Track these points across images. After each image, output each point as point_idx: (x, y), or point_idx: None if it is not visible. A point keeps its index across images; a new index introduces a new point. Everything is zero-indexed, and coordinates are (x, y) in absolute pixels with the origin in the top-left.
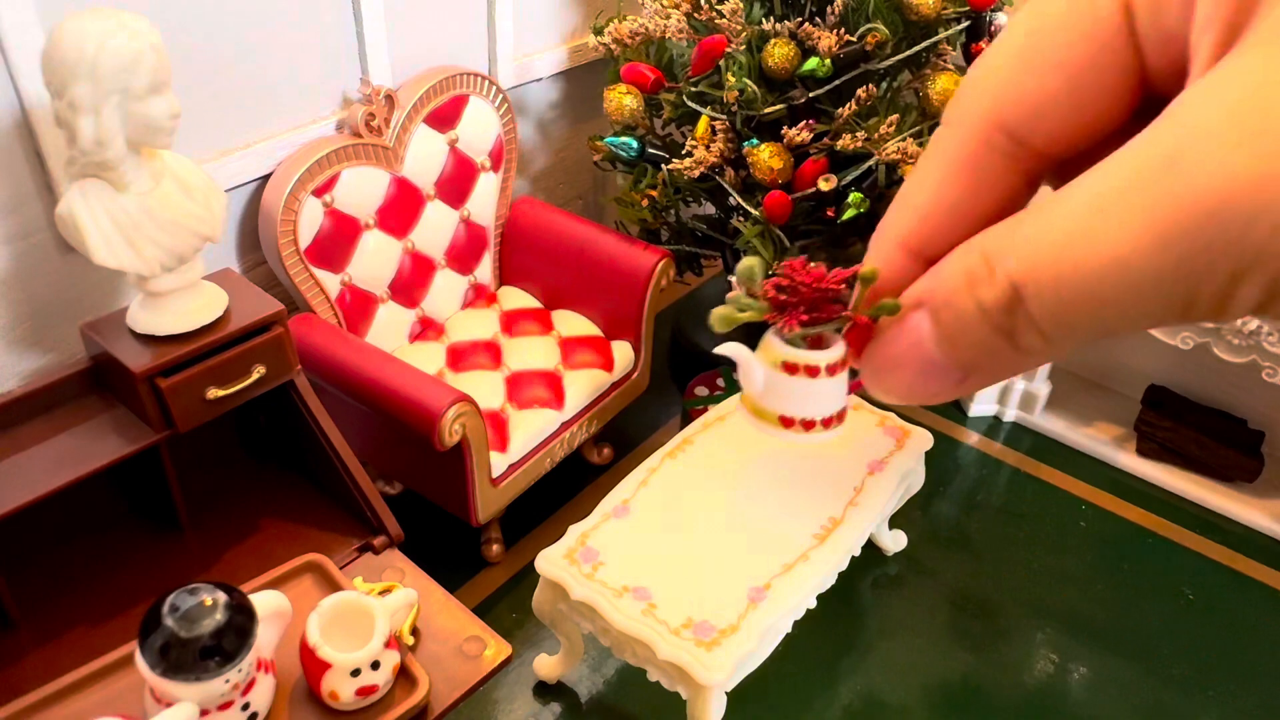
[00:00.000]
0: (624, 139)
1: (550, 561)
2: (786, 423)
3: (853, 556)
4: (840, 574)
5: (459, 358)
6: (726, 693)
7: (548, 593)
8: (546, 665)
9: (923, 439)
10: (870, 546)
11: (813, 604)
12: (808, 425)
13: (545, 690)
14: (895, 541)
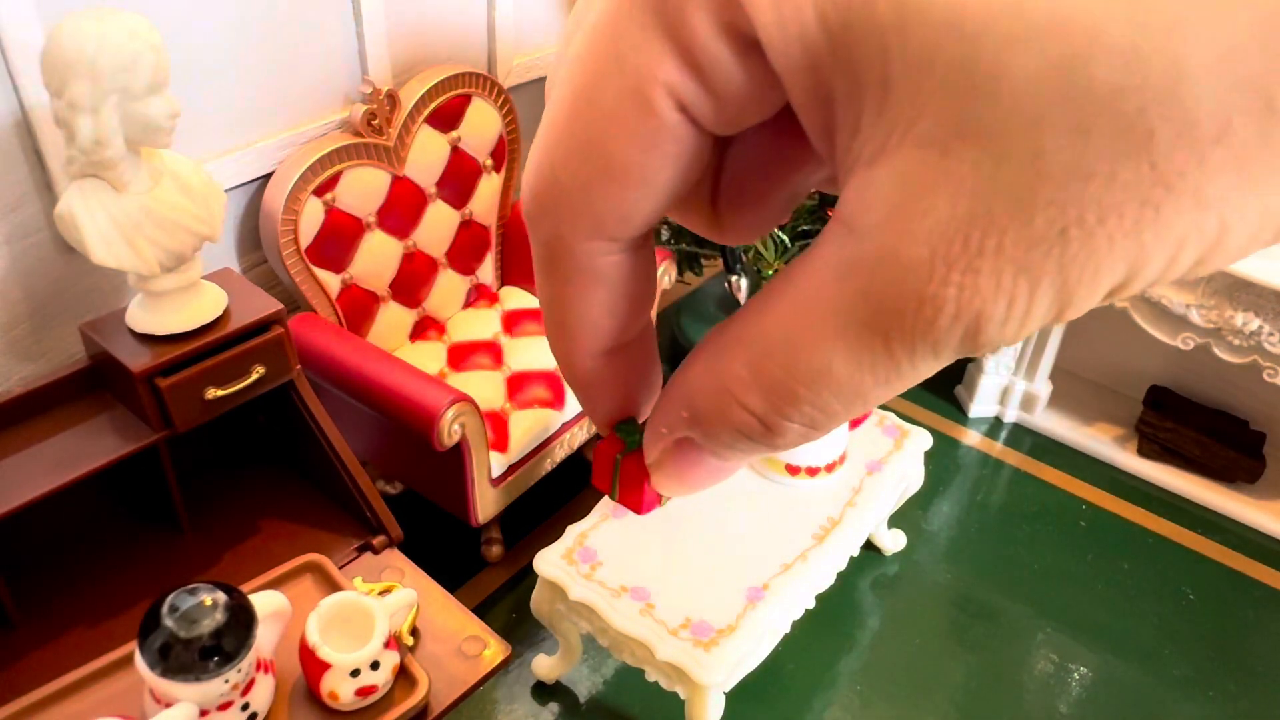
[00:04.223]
0: None
1: (548, 562)
2: (793, 470)
3: (851, 557)
4: (839, 574)
5: (460, 357)
6: (725, 693)
7: (546, 593)
8: (545, 665)
9: (921, 439)
10: (869, 546)
11: (811, 604)
12: (812, 472)
13: (544, 690)
14: (894, 541)
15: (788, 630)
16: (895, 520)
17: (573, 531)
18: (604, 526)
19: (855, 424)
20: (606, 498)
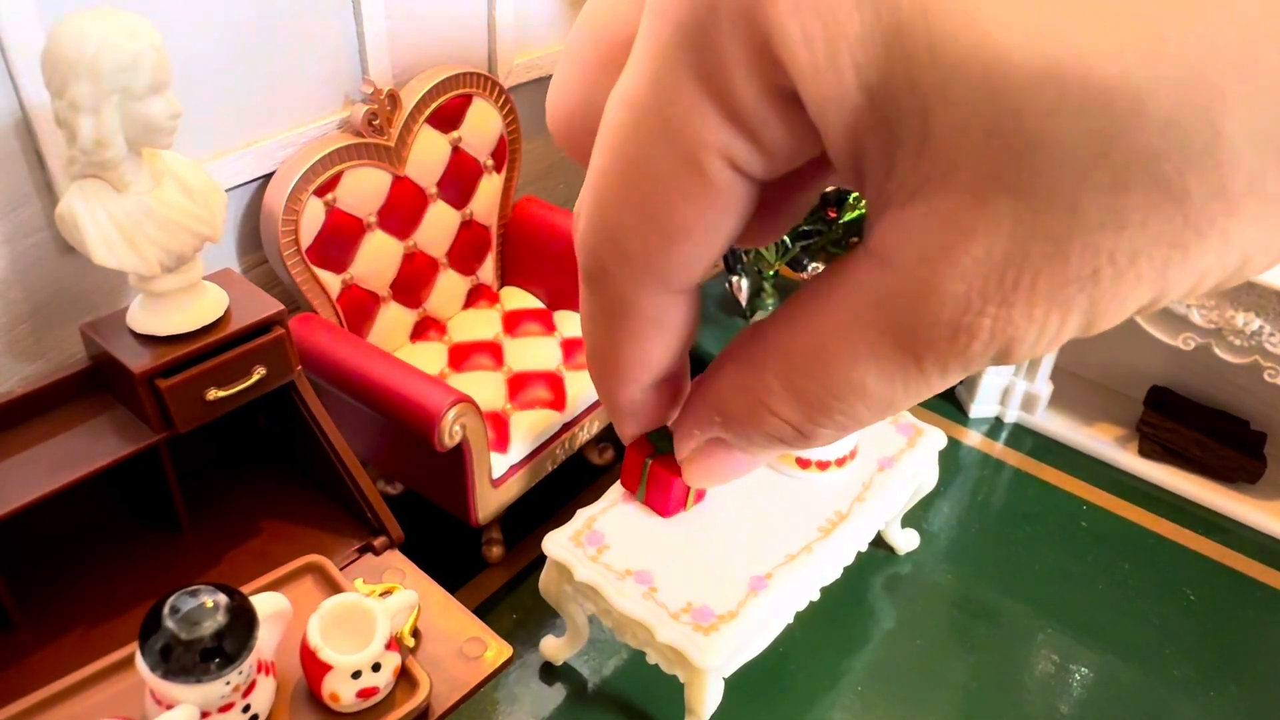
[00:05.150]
0: None
1: (557, 543)
2: (803, 464)
3: (860, 552)
4: (848, 570)
5: (461, 358)
6: (726, 681)
7: (554, 574)
8: (553, 647)
9: (935, 438)
10: (883, 545)
11: (815, 596)
12: (822, 466)
13: (545, 690)
14: (907, 541)
15: (790, 621)
16: (906, 520)
17: (582, 515)
18: (613, 511)
19: None
20: (616, 486)
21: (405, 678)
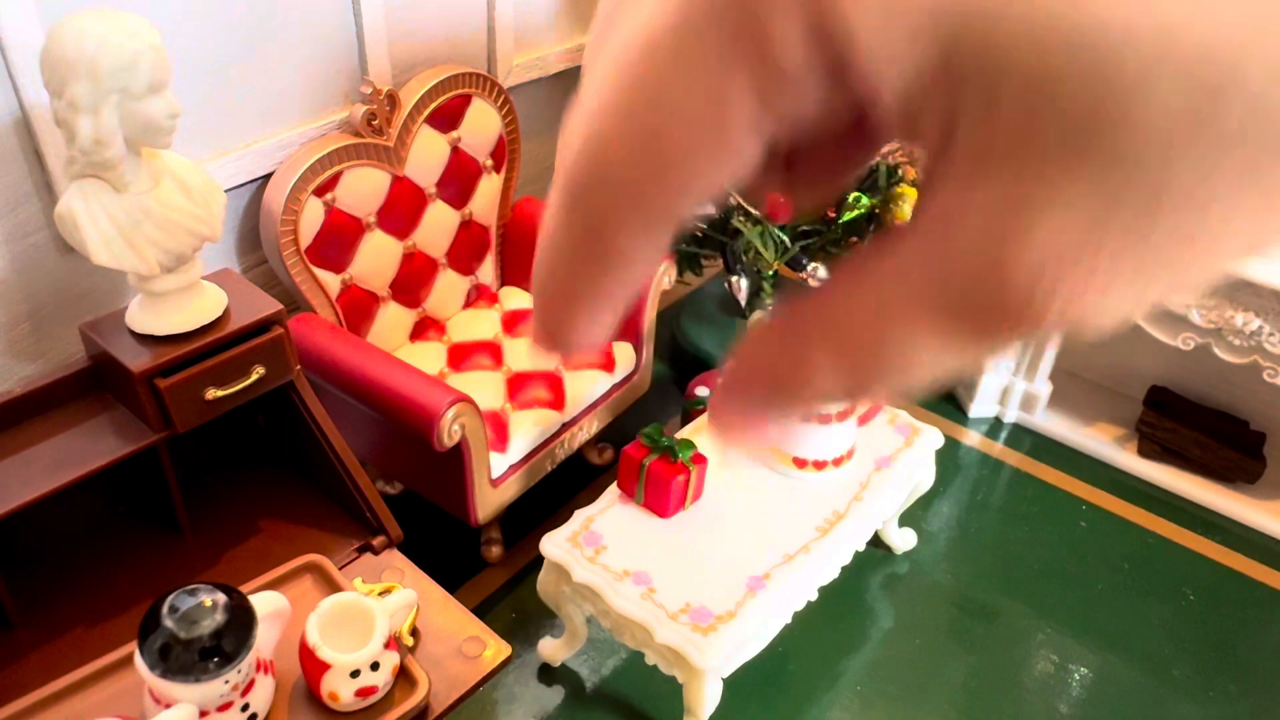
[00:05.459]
0: None
1: (554, 544)
2: (800, 464)
3: (858, 553)
4: (845, 570)
5: (460, 358)
6: (724, 681)
7: (552, 575)
8: (551, 648)
9: (932, 437)
10: (880, 545)
11: (813, 596)
12: (819, 465)
13: (544, 690)
14: (904, 540)
15: (788, 621)
16: (904, 519)
17: (579, 516)
18: (611, 512)
19: (865, 419)
20: (613, 486)
21: (404, 677)
